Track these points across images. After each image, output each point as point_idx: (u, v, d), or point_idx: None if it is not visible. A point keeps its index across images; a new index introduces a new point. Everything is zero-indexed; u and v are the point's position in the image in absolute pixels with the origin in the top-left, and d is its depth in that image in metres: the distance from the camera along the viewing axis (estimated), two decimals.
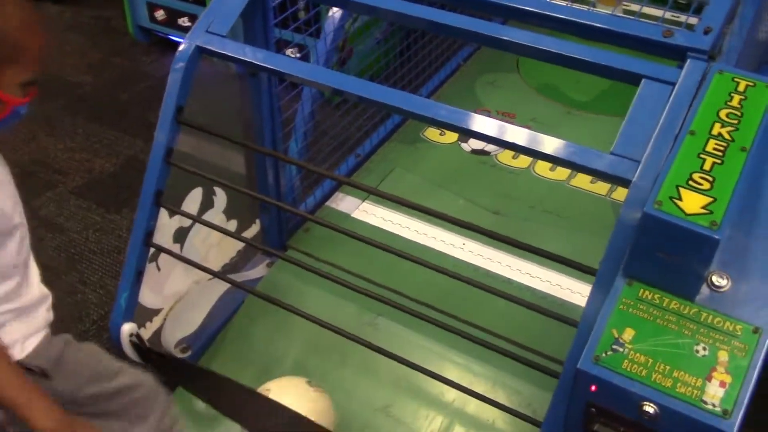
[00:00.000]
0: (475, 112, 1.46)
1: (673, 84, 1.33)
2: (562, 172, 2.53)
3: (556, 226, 2.35)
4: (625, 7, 1.67)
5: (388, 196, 1.76)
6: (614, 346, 1.13)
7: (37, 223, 2.66)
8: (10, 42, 1.15)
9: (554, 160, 1.35)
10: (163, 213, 1.78)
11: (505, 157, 2.62)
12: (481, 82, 3.03)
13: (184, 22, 3.53)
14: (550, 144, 1.34)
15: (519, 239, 1.50)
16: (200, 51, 1.64)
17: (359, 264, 2.03)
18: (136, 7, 3.67)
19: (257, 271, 2.19)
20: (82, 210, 2.77)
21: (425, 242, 2.28)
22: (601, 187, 2.48)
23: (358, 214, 2.39)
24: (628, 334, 1.14)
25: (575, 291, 2.09)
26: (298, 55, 3.02)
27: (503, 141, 1.38)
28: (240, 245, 2.14)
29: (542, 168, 2.56)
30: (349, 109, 2.56)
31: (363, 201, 2.43)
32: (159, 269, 1.89)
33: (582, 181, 2.50)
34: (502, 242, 1.54)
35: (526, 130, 1.38)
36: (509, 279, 2.15)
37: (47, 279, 1.45)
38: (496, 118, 1.44)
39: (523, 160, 2.60)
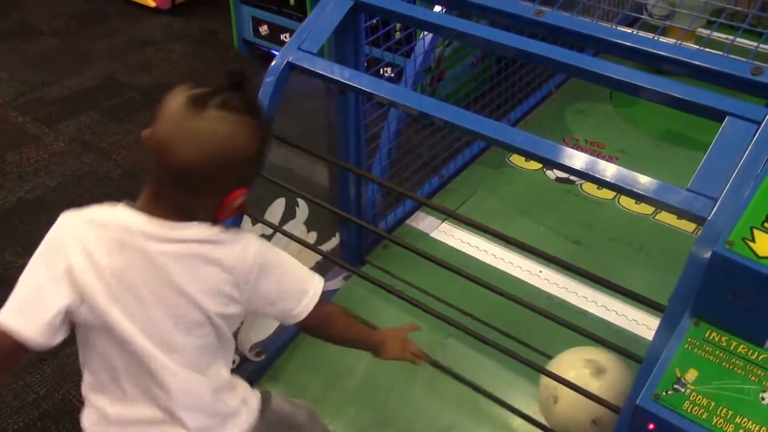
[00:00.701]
0: (563, 140, 1.46)
1: (759, 123, 1.31)
2: (648, 206, 2.48)
3: (637, 260, 2.31)
4: (713, 38, 1.64)
5: (467, 220, 1.77)
6: (676, 386, 1.11)
7: None
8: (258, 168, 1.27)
9: (626, 192, 1.34)
10: (247, 220, 1.85)
11: (591, 187, 2.59)
12: (572, 111, 3.01)
13: (285, 37, 3.65)
14: (623, 176, 1.33)
15: (597, 271, 1.49)
16: (291, 67, 1.70)
17: (435, 284, 2.05)
18: (242, 22, 3.83)
19: (334, 283, 2.24)
20: None
21: (502, 267, 2.27)
22: (688, 224, 2.42)
23: (437, 234, 2.42)
24: (692, 374, 1.12)
25: (651, 327, 2.03)
26: (392, 75, 3.08)
27: (573, 169, 1.38)
28: (319, 257, 2.19)
29: (627, 201, 2.52)
30: (435, 130, 2.59)
31: (443, 222, 2.45)
32: None
33: (668, 216, 2.44)
34: (578, 274, 1.53)
35: (600, 161, 1.37)
36: (585, 310, 2.13)
37: None
38: (585, 148, 1.44)
39: (609, 192, 2.56)
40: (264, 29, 3.78)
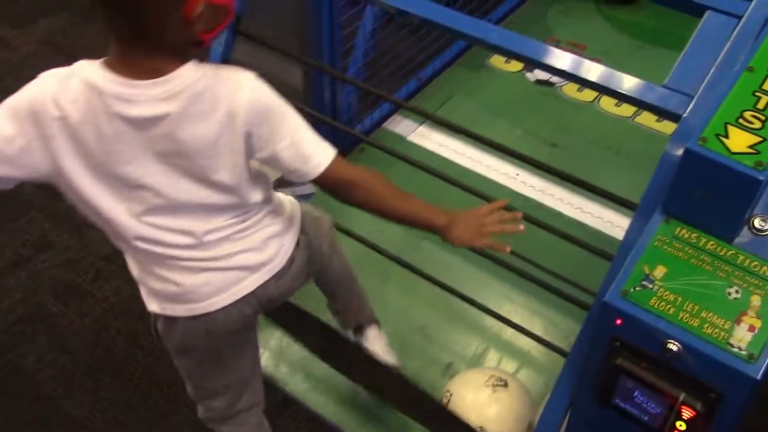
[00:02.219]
0: (545, 41, 1.42)
1: (739, 17, 1.27)
2: (627, 109, 2.46)
3: (614, 163, 2.30)
4: None
5: (445, 122, 1.74)
6: (644, 282, 1.11)
7: None
8: None
9: (598, 88, 1.32)
10: None
11: (570, 89, 2.55)
12: (554, 11, 2.93)
13: None
14: (596, 72, 1.31)
15: (574, 174, 1.48)
16: None
17: (411, 187, 1.99)
18: None
19: (309, 187, 2.20)
20: None
21: (479, 170, 2.26)
22: (668, 126, 2.38)
23: (414, 138, 2.39)
24: (660, 271, 1.12)
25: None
26: None
27: (554, 68, 1.35)
28: None
29: (607, 103, 2.49)
30: (412, 31, 2.52)
31: (420, 125, 2.41)
32: None
33: (648, 119, 2.42)
34: (553, 174, 1.52)
35: (581, 59, 1.34)
36: (560, 212, 2.13)
37: None
38: (566, 49, 1.40)
39: (589, 94, 2.53)
40: None
